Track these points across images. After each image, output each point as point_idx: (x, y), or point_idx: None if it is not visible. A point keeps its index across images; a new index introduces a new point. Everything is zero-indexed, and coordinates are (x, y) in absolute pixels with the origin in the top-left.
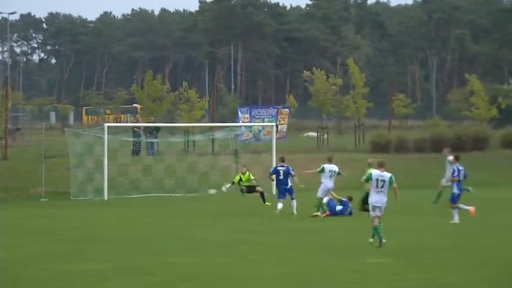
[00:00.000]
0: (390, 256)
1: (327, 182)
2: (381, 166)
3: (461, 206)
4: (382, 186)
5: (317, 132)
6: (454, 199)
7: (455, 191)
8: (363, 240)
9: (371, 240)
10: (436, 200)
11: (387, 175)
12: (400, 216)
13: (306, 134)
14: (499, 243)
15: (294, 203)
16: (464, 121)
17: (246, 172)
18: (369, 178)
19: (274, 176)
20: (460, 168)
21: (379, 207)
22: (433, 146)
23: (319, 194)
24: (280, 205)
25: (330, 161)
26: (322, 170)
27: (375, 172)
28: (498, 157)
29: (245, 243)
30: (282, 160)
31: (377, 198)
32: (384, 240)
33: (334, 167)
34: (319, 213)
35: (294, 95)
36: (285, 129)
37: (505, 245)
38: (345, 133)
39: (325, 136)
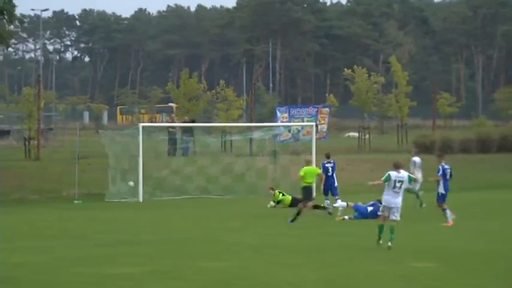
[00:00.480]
0: (437, 260)
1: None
2: (397, 167)
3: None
4: (400, 188)
5: (358, 132)
6: (442, 199)
7: (441, 190)
8: (405, 243)
9: (381, 242)
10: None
11: (405, 175)
12: (439, 219)
13: (347, 134)
14: None
15: (339, 202)
16: (511, 121)
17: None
18: (388, 179)
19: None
20: (446, 167)
21: (393, 208)
22: (478, 147)
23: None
24: (339, 202)
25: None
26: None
27: (392, 173)
28: None
29: (280, 246)
30: (328, 156)
31: (392, 200)
32: (381, 242)
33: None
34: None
35: (334, 94)
36: (325, 129)
37: None
38: (387, 133)
39: (367, 136)
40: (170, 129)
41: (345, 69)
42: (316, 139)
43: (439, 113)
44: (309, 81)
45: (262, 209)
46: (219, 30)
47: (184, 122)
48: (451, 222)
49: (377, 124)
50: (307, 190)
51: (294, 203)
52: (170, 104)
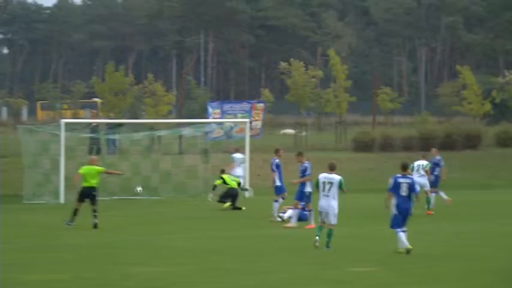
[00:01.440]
0: (376, 264)
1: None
2: (331, 169)
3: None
4: (329, 190)
5: (295, 129)
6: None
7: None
8: (342, 247)
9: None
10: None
11: (336, 178)
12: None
13: (282, 131)
14: (495, 251)
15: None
16: (455, 117)
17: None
18: (316, 183)
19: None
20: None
21: (329, 213)
22: (421, 145)
23: None
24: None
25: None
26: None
27: (322, 175)
28: (492, 156)
29: (215, 251)
30: (276, 151)
31: (324, 204)
32: (317, 244)
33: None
34: None
35: (269, 89)
36: (259, 126)
37: (501, 253)
38: (325, 130)
39: (304, 133)
40: (93, 126)
41: (281, 62)
42: (250, 136)
43: (380, 109)
44: (242, 75)
45: (193, 211)
46: (147, 20)
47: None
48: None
49: (314, 120)
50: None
51: (232, 197)
52: (95, 99)
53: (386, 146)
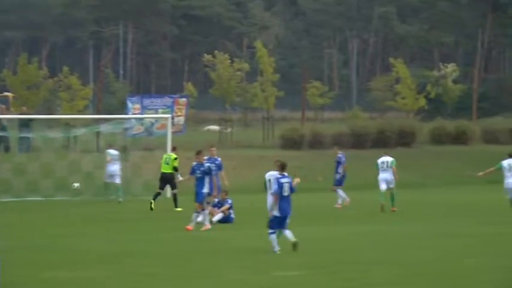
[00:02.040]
0: (303, 268)
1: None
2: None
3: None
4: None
5: (219, 126)
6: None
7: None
8: (269, 250)
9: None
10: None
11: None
12: (313, 222)
13: (206, 128)
14: (432, 253)
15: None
16: (388, 112)
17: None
18: (265, 182)
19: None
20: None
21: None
22: (353, 142)
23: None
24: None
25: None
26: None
27: (270, 173)
28: (426, 154)
29: (135, 254)
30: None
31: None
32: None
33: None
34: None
35: (193, 83)
36: (182, 122)
37: (439, 256)
38: (251, 126)
39: (229, 130)
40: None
41: (205, 54)
42: (172, 133)
43: (309, 104)
44: (164, 68)
45: (115, 213)
46: (62, 9)
47: (22, 114)
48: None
49: (240, 116)
50: None
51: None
52: (6, 94)
53: (316, 143)
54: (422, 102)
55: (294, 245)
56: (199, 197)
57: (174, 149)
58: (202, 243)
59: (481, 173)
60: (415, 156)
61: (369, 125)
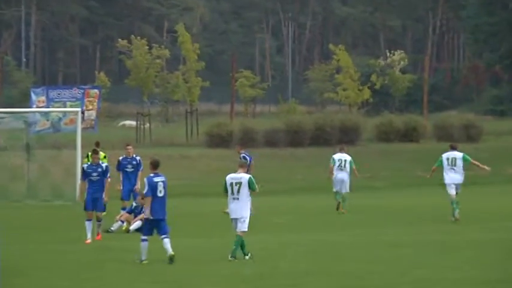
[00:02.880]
0: (233, 283)
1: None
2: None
3: None
4: (238, 192)
5: (136, 121)
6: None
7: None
8: (188, 260)
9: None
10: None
11: (245, 177)
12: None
13: (122, 123)
14: (367, 265)
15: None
16: (328, 106)
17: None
18: (224, 186)
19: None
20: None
21: (238, 218)
22: (288, 139)
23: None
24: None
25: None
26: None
27: (229, 176)
28: (371, 153)
29: (42, 265)
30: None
31: (233, 208)
32: (247, 256)
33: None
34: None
35: (105, 72)
36: (93, 117)
37: (379, 267)
38: (173, 122)
39: (147, 125)
40: None
41: (119, 39)
42: (82, 129)
43: (239, 97)
44: (73, 55)
45: (17, 219)
46: None
47: None
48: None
49: (160, 110)
50: None
51: None
52: None
53: (247, 140)
54: (366, 94)
55: (171, 258)
56: (87, 206)
57: (97, 145)
58: (113, 253)
59: (429, 175)
60: (360, 156)
61: (306, 120)
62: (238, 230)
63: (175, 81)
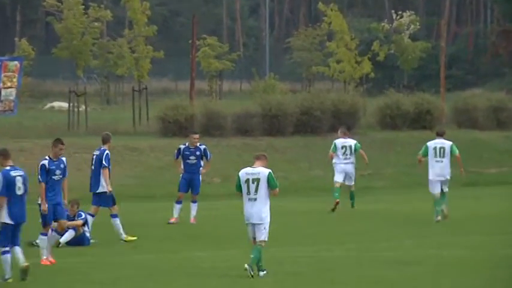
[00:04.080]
0: None
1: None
2: (258, 159)
3: None
4: (255, 191)
5: (69, 102)
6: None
7: None
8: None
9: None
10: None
11: (265, 173)
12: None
13: (49, 105)
14: (320, 281)
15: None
16: (317, 83)
17: None
18: (238, 183)
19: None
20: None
21: (255, 224)
22: (266, 126)
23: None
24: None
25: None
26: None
27: (244, 170)
28: (374, 143)
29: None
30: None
31: (250, 210)
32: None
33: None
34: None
35: (29, 38)
36: (12, 97)
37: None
38: (116, 104)
39: (83, 108)
40: None
41: None
42: None
43: (201, 71)
44: None
45: None
46: None
47: None
48: None
49: (99, 88)
50: None
51: None
52: None
53: (212, 127)
54: (366, 67)
55: (24, 271)
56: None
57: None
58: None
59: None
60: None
61: (288, 102)
62: (257, 239)
63: (119, 51)
